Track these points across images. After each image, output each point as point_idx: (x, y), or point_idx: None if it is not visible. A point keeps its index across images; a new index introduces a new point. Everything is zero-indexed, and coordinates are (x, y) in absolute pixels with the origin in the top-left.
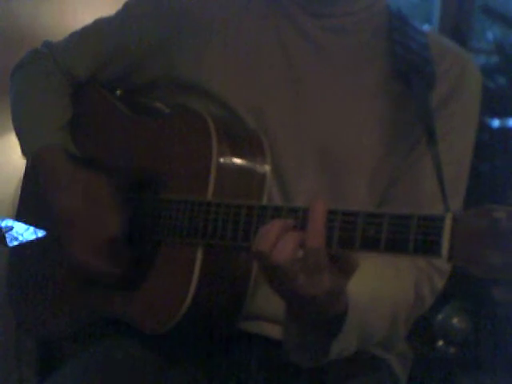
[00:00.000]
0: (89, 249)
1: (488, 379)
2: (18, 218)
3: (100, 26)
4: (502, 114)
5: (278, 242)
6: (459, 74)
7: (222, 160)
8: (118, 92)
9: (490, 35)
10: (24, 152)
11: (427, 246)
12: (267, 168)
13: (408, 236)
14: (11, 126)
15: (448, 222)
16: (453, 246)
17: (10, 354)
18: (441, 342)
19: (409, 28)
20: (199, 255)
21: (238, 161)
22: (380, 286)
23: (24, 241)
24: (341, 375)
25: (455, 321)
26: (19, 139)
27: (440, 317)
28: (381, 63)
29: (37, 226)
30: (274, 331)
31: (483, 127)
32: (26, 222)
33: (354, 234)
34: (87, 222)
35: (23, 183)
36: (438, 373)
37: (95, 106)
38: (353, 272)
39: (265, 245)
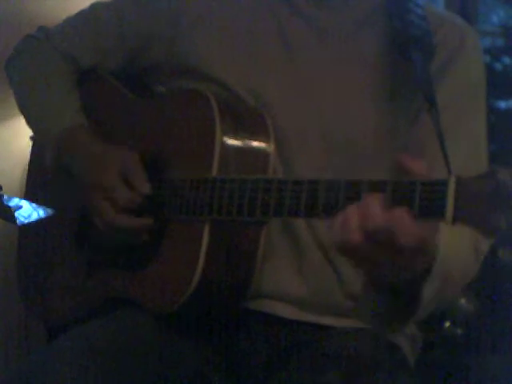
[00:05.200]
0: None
1: (495, 360)
2: (26, 198)
3: (97, 12)
4: (509, 96)
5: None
6: (457, 42)
7: (225, 138)
8: (121, 76)
9: (495, 18)
10: (42, 136)
11: (432, 210)
12: (271, 145)
13: (414, 201)
14: (17, 111)
15: (452, 186)
16: (457, 208)
17: (19, 339)
18: (448, 323)
19: (407, 1)
20: (206, 232)
21: (241, 138)
22: (457, 244)
23: (33, 220)
24: (350, 355)
25: (462, 301)
26: (34, 126)
27: None
28: (379, 38)
29: (45, 205)
30: (283, 310)
31: (490, 109)
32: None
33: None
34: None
35: (30, 166)
36: (445, 354)
37: (98, 91)
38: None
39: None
